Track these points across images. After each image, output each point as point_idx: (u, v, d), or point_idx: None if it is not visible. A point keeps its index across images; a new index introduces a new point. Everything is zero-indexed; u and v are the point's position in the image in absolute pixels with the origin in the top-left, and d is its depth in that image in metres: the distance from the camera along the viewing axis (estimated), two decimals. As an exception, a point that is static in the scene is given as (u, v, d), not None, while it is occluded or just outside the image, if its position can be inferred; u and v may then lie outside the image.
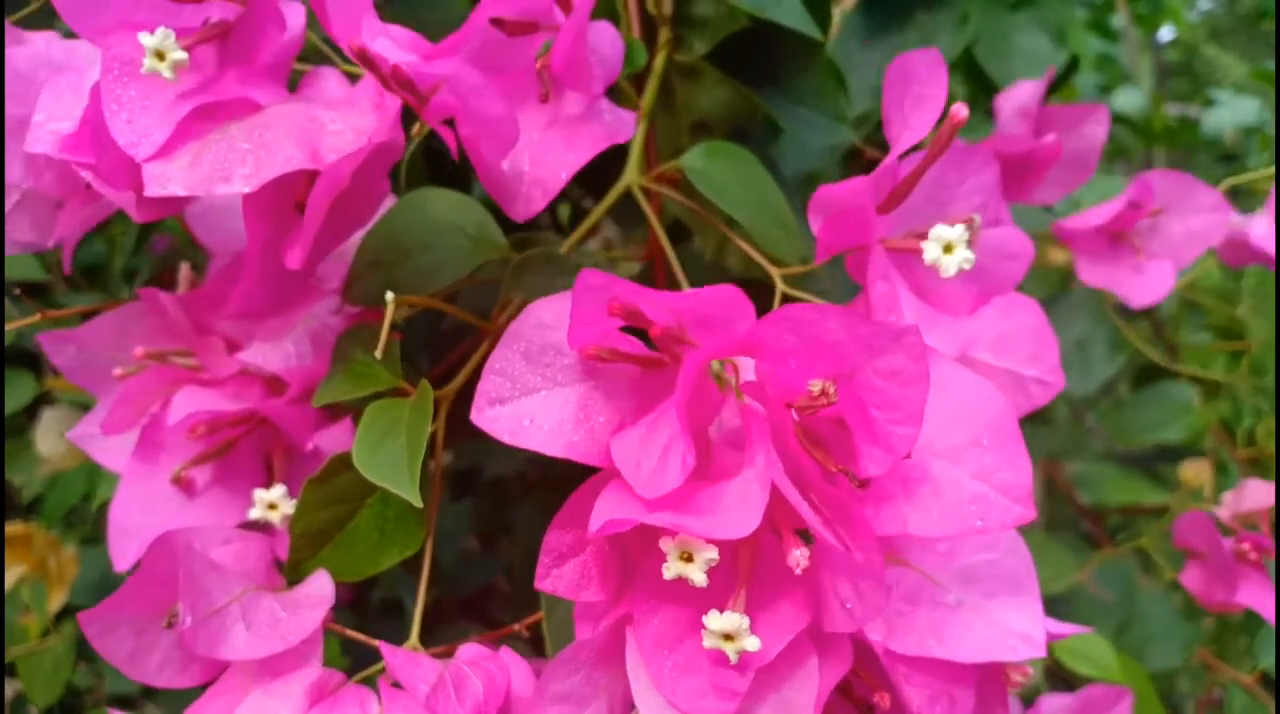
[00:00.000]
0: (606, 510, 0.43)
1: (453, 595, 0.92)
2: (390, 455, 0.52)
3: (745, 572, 0.45)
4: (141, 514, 0.58)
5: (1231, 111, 1.49)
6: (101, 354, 0.60)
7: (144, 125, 0.48)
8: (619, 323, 0.44)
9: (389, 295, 0.52)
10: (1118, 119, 1.27)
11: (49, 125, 0.50)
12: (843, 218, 0.52)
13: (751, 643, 0.43)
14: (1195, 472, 0.96)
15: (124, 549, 0.57)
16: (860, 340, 0.41)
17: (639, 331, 0.46)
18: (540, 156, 0.56)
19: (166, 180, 0.48)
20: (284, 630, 0.51)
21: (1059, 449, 1.13)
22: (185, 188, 0.48)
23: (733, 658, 0.43)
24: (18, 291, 0.60)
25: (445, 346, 0.71)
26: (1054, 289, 1.05)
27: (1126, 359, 1.02)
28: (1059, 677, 0.82)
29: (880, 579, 0.41)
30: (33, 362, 1.13)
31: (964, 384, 0.44)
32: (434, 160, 0.79)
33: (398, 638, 0.54)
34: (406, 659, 0.50)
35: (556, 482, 0.80)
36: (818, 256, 0.55)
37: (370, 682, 0.52)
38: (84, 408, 1.12)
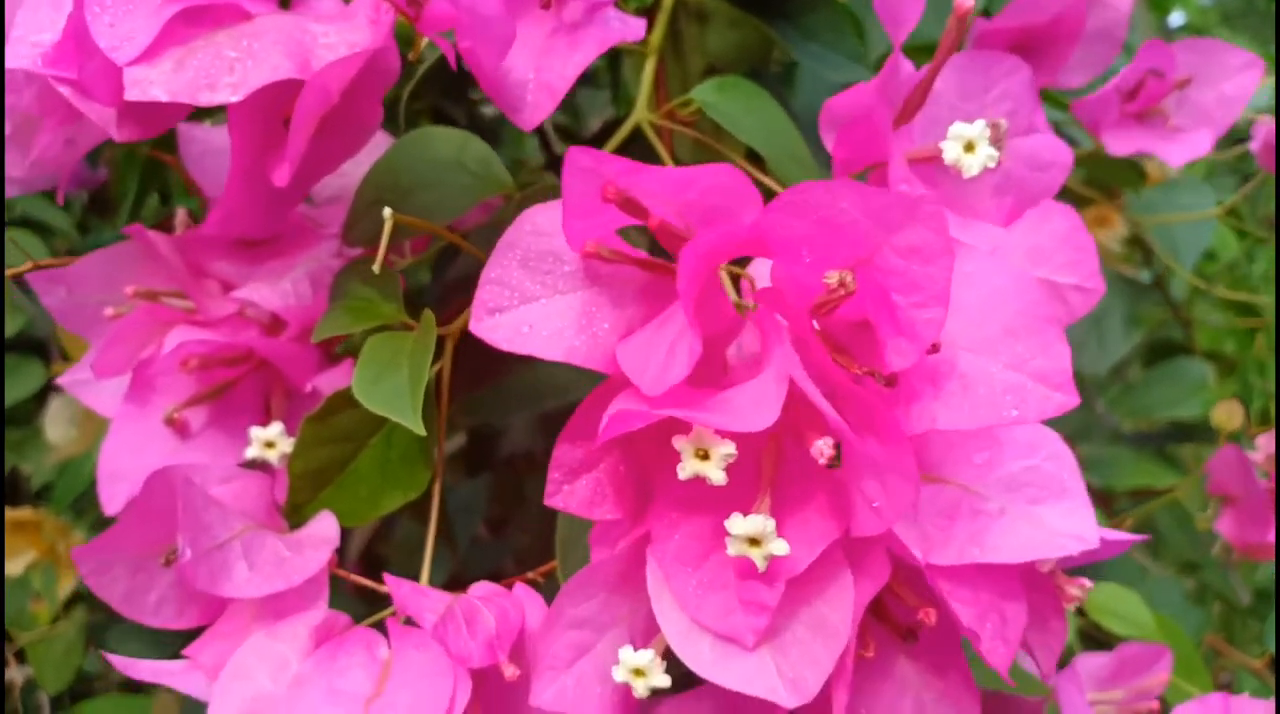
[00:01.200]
0: (619, 412, 0.40)
1: (463, 580, 0.89)
2: (392, 386, 0.50)
3: (768, 478, 0.42)
4: (132, 457, 0.55)
5: None
6: (93, 296, 0.57)
7: (127, 28, 0.46)
8: (616, 216, 0.42)
9: (386, 211, 0.50)
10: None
11: (28, 39, 0.48)
12: (857, 129, 0.50)
13: (779, 546, 0.40)
14: (1228, 413, 0.93)
15: (114, 493, 0.55)
16: (875, 215, 0.38)
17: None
18: (544, 62, 0.53)
19: (148, 85, 0.45)
20: (288, 569, 0.49)
21: (1069, 432, 1.10)
22: (168, 93, 0.45)
23: (760, 565, 0.41)
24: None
25: (448, 294, 0.68)
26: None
27: (1142, 336, 1.01)
28: (1095, 640, 0.79)
29: (909, 474, 0.39)
30: (41, 349, 1.11)
31: (992, 275, 0.42)
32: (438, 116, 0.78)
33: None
34: (414, 591, 0.47)
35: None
36: (835, 174, 0.53)
37: (379, 628, 0.49)
38: None
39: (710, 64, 0.69)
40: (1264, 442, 0.77)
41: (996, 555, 0.42)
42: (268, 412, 0.57)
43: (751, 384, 0.40)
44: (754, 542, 0.41)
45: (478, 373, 0.61)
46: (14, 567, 1.05)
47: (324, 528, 0.51)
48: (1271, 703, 0.61)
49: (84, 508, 1.14)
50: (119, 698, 1.03)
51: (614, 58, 0.85)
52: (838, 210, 0.38)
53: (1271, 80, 1.04)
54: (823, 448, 0.38)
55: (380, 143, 0.62)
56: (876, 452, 0.39)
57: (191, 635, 1.07)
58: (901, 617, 0.46)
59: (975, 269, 0.42)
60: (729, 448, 0.40)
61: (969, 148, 0.48)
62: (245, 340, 0.55)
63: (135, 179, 0.77)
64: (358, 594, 0.55)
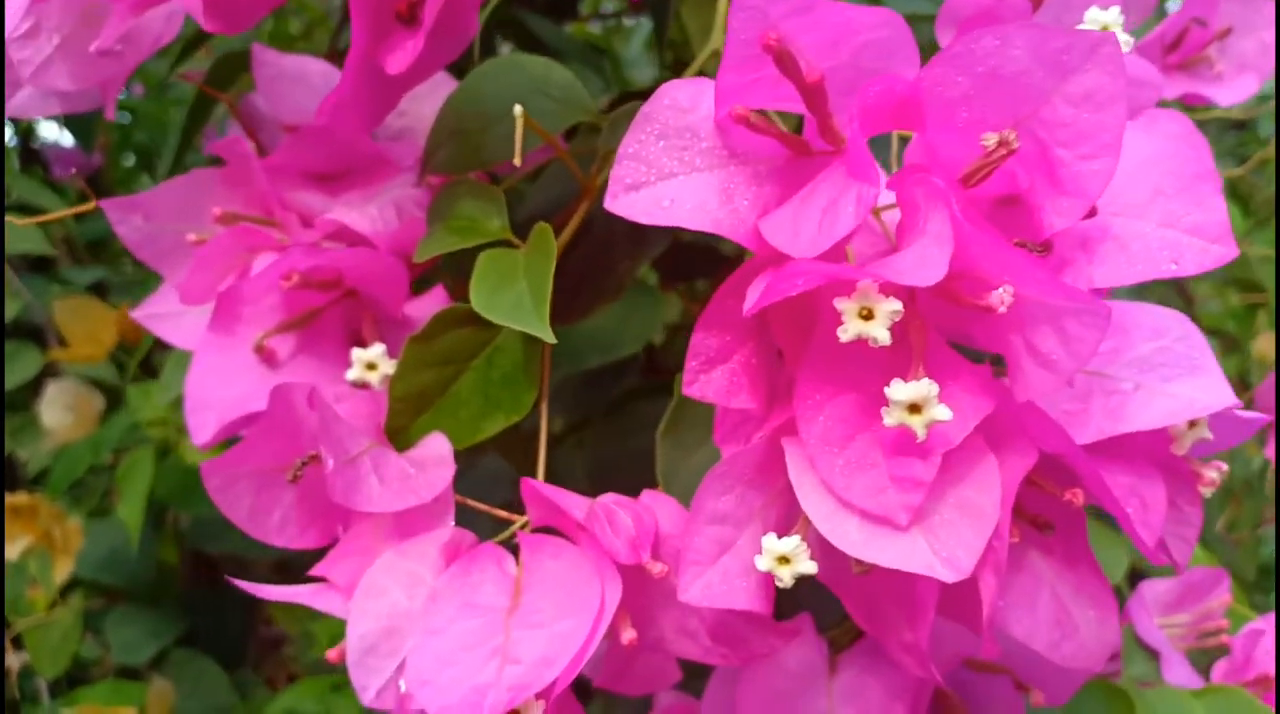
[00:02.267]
0: (783, 275, 0.40)
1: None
2: (513, 297, 0.49)
3: (919, 351, 0.42)
4: (220, 387, 0.53)
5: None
6: (170, 224, 0.56)
7: None
8: (769, 79, 0.42)
9: (517, 108, 0.50)
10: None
11: None
12: (979, 25, 0.50)
13: (942, 411, 0.40)
14: (1268, 344, 0.96)
15: (203, 422, 0.53)
16: (1050, 60, 0.38)
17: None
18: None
19: None
20: (416, 485, 0.48)
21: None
22: None
23: (921, 433, 0.40)
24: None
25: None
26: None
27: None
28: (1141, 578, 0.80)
29: (1099, 313, 0.38)
30: (37, 335, 1.10)
31: (1140, 142, 0.42)
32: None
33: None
34: (555, 490, 0.46)
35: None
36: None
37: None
38: (90, 381, 1.08)
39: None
40: None
41: (1136, 424, 0.42)
42: (356, 339, 0.56)
43: (913, 247, 0.40)
44: (914, 409, 0.40)
45: (566, 303, 0.61)
46: (10, 552, 1.04)
47: (438, 448, 0.50)
48: None
49: (80, 494, 1.14)
50: (116, 684, 1.02)
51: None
52: (1008, 59, 0.38)
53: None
54: (1002, 296, 0.38)
55: (444, 84, 0.62)
56: (1051, 301, 0.39)
57: (200, 617, 1.05)
58: (1036, 508, 0.46)
59: (1124, 139, 0.42)
60: (895, 305, 0.39)
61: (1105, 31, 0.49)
62: (348, 260, 0.53)
63: (129, 169, 0.75)
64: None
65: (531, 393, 0.53)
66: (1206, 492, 0.46)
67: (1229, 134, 1.27)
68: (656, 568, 0.45)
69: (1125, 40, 0.48)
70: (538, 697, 0.42)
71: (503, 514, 0.51)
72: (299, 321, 0.54)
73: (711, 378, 0.44)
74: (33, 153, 1.12)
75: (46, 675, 1.02)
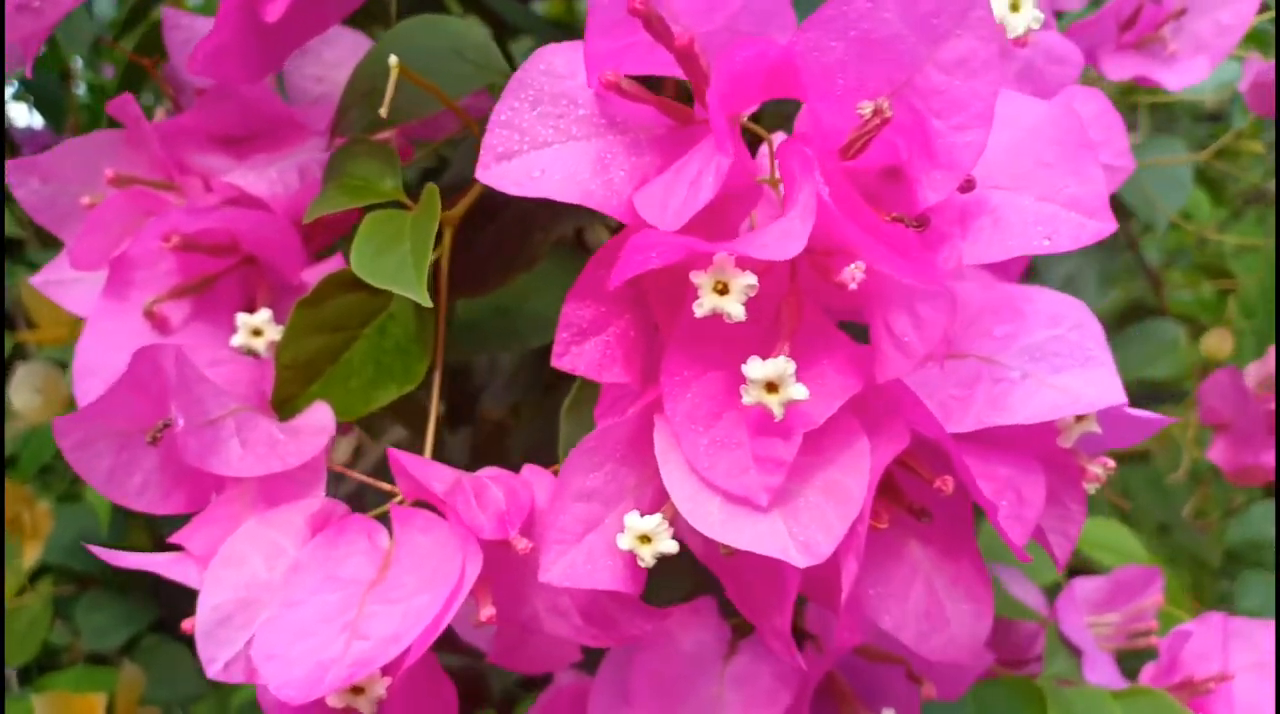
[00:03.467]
0: (638, 245, 0.39)
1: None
2: (395, 259, 0.48)
3: (788, 328, 0.40)
4: (110, 352, 0.52)
5: (1213, 73, 1.49)
6: (69, 186, 0.55)
7: None
8: (638, 45, 0.40)
9: (392, 59, 0.48)
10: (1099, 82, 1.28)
11: None
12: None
13: (798, 390, 0.39)
14: (1218, 341, 0.94)
15: (90, 388, 0.52)
16: (920, 23, 0.37)
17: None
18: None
19: None
20: (282, 452, 0.47)
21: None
22: None
23: (777, 412, 0.39)
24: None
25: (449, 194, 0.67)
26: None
27: (1115, 295, 1.01)
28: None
29: (945, 297, 0.37)
30: (5, 317, 1.10)
31: (1027, 113, 0.41)
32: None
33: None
34: (421, 462, 0.45)
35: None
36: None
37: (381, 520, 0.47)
38: (60, 364, 1.08)
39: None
40: (1255, 369, 0.76)
41: (1015, 416, 0.41)
42: (253, 307, 0.55)
43: (777, 224, 0.39)
44: (772, 387, 0.39)
45: (476, 274, 0.59)
46: None
47: (319, 417, 0.49)
48: (1269, 623, 0.61)
49: (50, 479, 1.14)
50: (85, 670, 1.01)
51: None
52: (880, 22, 0.37)
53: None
54: (854, 272, 0.37)
55: (362, 45, 0.60)
56: (905, 283, 0.38)
57: (173, 602, 1.04)
58: (916, 496, 0.45)
59: (1012, 112, 0.41)
60: (750, 279, 0.38)
61: (1014, 6, 0.47)
62: (238, 221, 0.52)
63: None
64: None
65: (424, 362, 0.52)
66: (1091, 488, 0.44)
67: (1202, 125, 1.25)
68: (521, 544, 0.44)
69: (1036, 17, 0.47)
70: (385, 672, 0.42)
71: (387, 486, 0.49)
72: (193, 287, 0.53)
73: (584, 350, 0.43)
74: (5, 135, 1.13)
75: (15, 663, 1.01)
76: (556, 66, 0.42)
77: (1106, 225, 0.39)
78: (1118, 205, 0.99)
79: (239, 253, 0.54)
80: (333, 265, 0.54)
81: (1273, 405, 0.73)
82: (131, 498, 0.47)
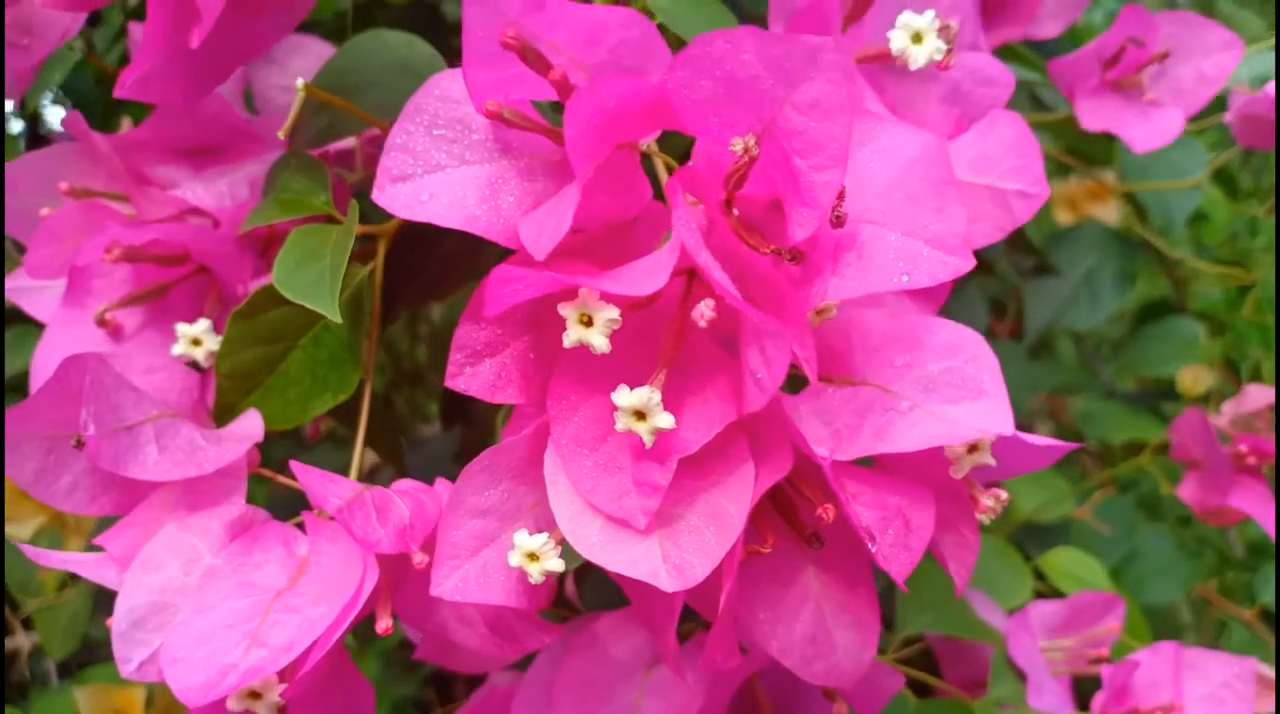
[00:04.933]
0: (510, 277, 0.40)
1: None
2: (313, 274, 0.49)
3: (667, 356, 0.41)
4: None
5: (1248, 65, 1.45)
6: (31, 198, 0.57)
7: None
8: (519, 74, 0.41)
9: (299, 80, 0.50)
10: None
11: None
12: (802, 23, 0.49)
13: (665, 420, 0.40)
14: (1194, 377, 0.92)
15: (45, 394, 0.54)
16: (774, 65, 0.37)
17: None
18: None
19: None
20: (200, 458, 0.48)
21: (1063, 385, 1.09)
22: None
23: (646, 439, 0.40)
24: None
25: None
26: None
27: (1134, 292, 0.99)
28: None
29: (784, 337, 0.37)
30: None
31: (906, 147, 0.41)
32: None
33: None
34: (321, 477, 0.46)
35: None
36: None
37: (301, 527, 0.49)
38: None
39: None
40: (1229, 407, 0.75)
41: (894, 445, 0.41)
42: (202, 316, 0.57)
43: (648, 259, 0.39)
44: (640, 415, 0.40)
45: (419, 285, 0.61)
46: (22, 532, 1.04)
47: (247, 424, 0.50)
48: (1221, 655, 0.60)
49: None
50: None
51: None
52: (740, 63, 0.37)
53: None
54: (703, 310, 0.37)
55: (326, 55, 0.62)
56: (759, 322, 0.38)
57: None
58: (810, 522, 0.45)
59: (892, 142, 0.41)
60: (612, 313, 0.39)
61: (917, 38, 0.48)
62: (177, 234, 0.54)
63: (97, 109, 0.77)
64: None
65: (357, 373, 0.53)
66: (985, 519, 0.44)
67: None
68: (419, 558, 0.45)
69: (938, 48, 0.46)
70: (283, 677, 0.43)
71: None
72: (145, 296, 0.55)
73: (477, 372, 0.44)
74: (41, 139, 1.15)
75: (56, 657, 1.03)
76: (451, 92, 0.43)
77: (965, 263, 0.39)
78: (1135, 202, 0.97)
79: (191, 263, 0.56)
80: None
81: (1244, 446, 0.72)
82: (60, 499, 0.49)
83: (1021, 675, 0.61)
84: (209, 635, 0.44)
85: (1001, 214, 0.50)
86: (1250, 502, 0.71)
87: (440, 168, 0.43)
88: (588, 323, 0.39)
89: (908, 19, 0.47)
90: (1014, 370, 0.95)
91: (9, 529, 1.04)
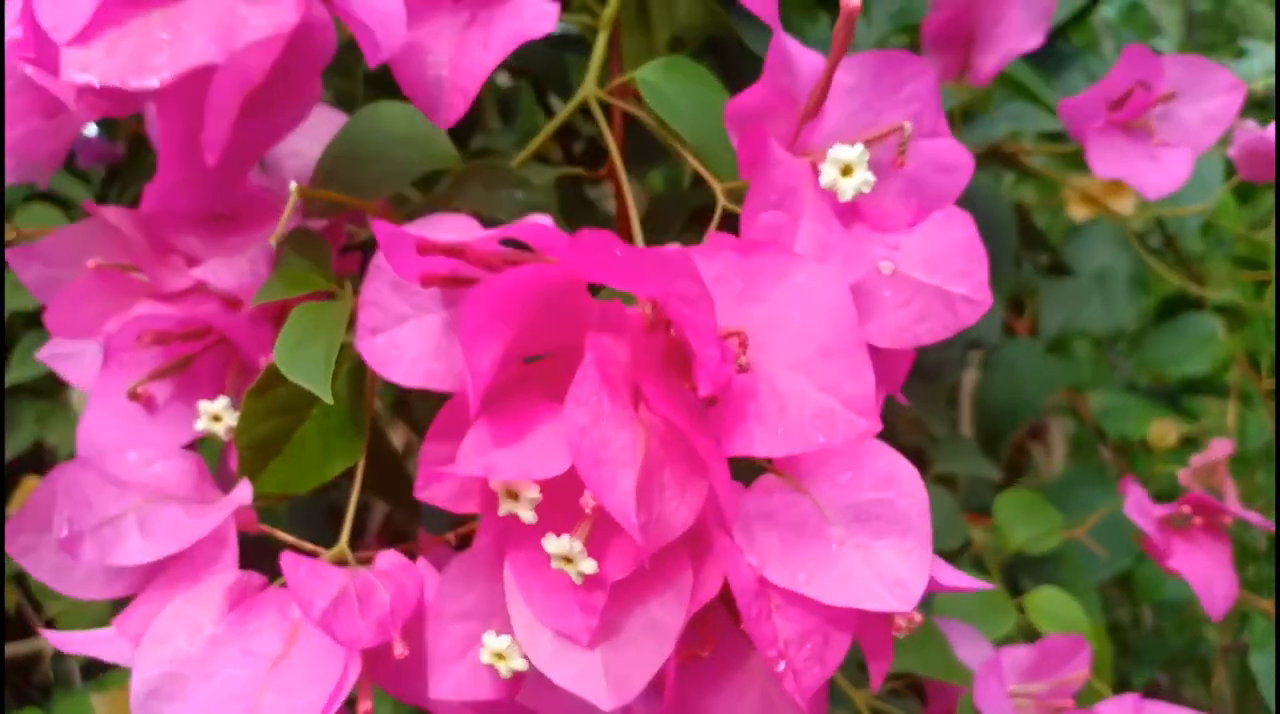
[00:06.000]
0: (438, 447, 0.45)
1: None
2: (310, 355, 0.53)
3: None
4: (108, 429, 0.60)
5: (1262, 60, 1.40)
6: (65, 271, 0.61)
7: (65, 7, 0.47)
8: (443, 258, 0.44)
9: (292, 184, 0.53)
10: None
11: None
12: (756, 129, 0.51)
13: (588, 565, 0.44)
14: (1161, 433, 0.92)
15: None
16: (650, 272, 0.40)
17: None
18: (458, 61, 0.56)
19: (84, 67, 0.46)
20: (181, 533, 0.52)
21: (1080, 382, 1.09)
22: (101, 77, 0.46)
23: (576, 579, 0.44)
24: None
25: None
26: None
27: (1150, 294, 0.99)
28: (1033, 634, 0.80)
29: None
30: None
31: (819, 292, 0.43)
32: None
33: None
34: (309, 572, 0.51)
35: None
36: (740, 172, 0.53)
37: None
38: None
39: (674, 34, 0.69)
40: (1196, 460, 0.75)
41: (819, 593, 0.44)
42: (226, 386, 0.61)
43: (556, 424, 0.43)
44: (567, 559, 0.44)
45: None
46: None
47: (235, 493, 0.55)
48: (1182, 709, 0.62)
49: None
50: None
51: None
52: (620, 260, 0.40)
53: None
54: (587, 499, 0.42)
55: (339, 122, 0.65)
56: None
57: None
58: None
59: (805, 283, 0.44)
60: (533, 492, 0.43)
61: (846, 171, 0.49)
62: (201, 315, 0.58)
63: (152, 157, 0.81)
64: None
65: (360, 441, 0.57)
66: (899, 635, 0.47)
67: (1249, 114, 1.17)
68: (399, 650, 0.49)
69: (866, 181, 0.48)
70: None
71: (309, 548, 0.55)
72: (172, 369, 0.60)
73: (443, 485, 0.48)
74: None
75: (78, 659, 1.10)
76: (406, 250, 0.46)
77: (873, 425, 0.41)
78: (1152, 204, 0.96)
79: (214, 333, 0.60)
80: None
81: (1187, 507, 0.72)
82: (78, 588, 0.54)
83: (988, 724, 0.63)
84: (213, 707, 0.49)
85: (948, 316, 0.51)
86: (1191, 565, 0.71)
87: (405, 319, 0.47)
88: (514, 497, 0.44)
89: (837, 153, 0.49)
90: (1032, 366, 0.96)
91: None
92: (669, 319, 0.42)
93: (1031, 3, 0.74)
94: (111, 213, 0.59)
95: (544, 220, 0.50)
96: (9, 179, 0.59)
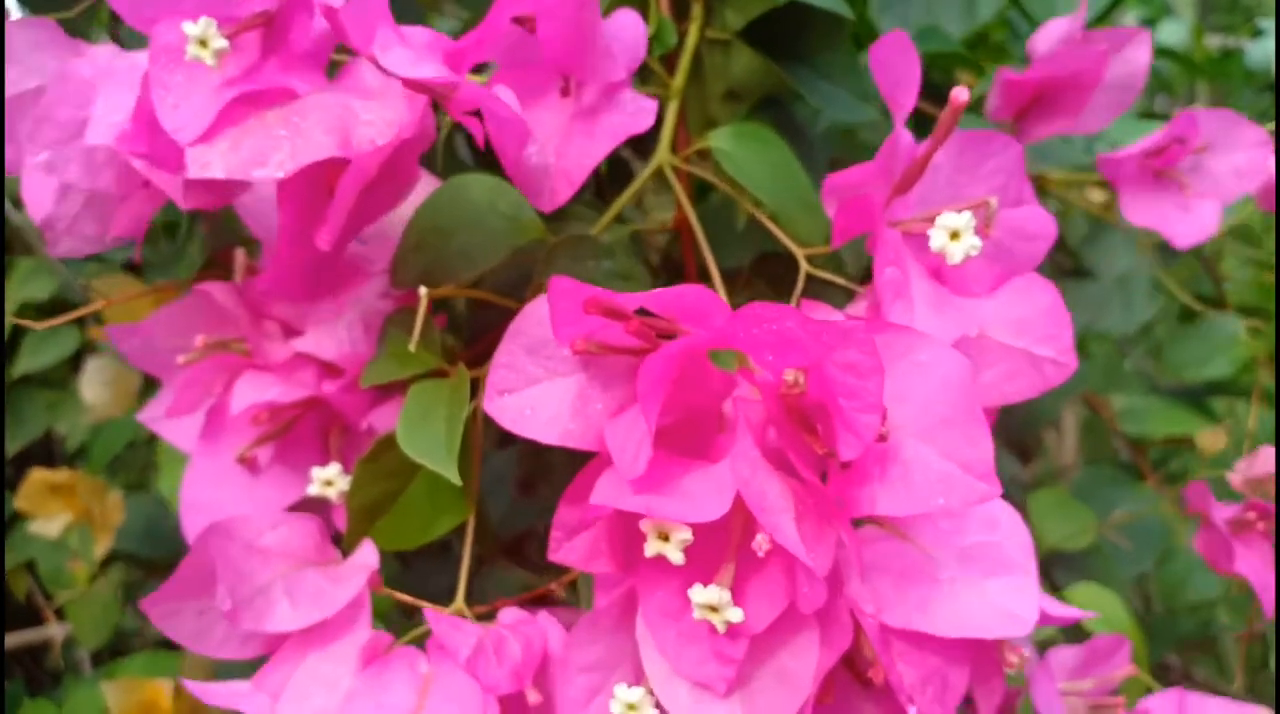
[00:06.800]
0: (598, 493, 0.47)
1: (495, 541, 0.96)
2: (430, 435, 0.56)
3: (735, 546, 0.48)
4: (210, 491, 0.63)
5: (1261, 48, 1.44)
6: (165, 343, 0.64)
7: (188, 110, 0.51)
8: (600, 319, 0.47)
9: (422, 289, 0.56)
10: (1160, 52, 1.25)
11: (107, 119, 0.53)
12: (854, 203, 0.54)
13: (735, 614, 0.46)
14: (1212, 440, 0.96)
15: (195, 523, 0.62)
16: (815, 337, 0.43)
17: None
18: (564, 149, 0.58)
19: (207, 164, 0.50)
20: (325, 601, 0.55)
21: (1097, 384, 1.13)
22: (225, 171, 0.50)
23: (720, 628, 0.47)
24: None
25: (485, 324, 0.74)
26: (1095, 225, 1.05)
27: (1171, 297, 1.02)
28: (1073, 632, 0.85)
29: (814, 577, 0.45)
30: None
31: (942, 365, 0.46)
32: (475, 145, 0.82)
33: (442, 579, 0.59)
34: (450, 625, 0.54)
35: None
36: (834, 240, 0.57)
37: (419, 641, 0.57)
38: None
39: (731, 88, 0.73)
40: (1243, 466, 0.79)
41: (937, 628, 0.48)
42: (327, 446, 0.64)
43: (709, 470, 0.46)
44: (713, 609, 0.47)
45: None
46: (51, 528, 1.11)
47: (364, 556, 0.58)
48: (1224, 701, 0.66)
49: (118, 469, 1.21)
50: (153, 655, 1.08)
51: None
52: (786, 328, 0.43)
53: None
54: (761, 543, 0.45)
55: (422, 183, 0.67)
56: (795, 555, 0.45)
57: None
58: (862, 665, 0.52)
59: (930, 358, 0.46)
60: (685, 534, 0.46)
61: (954, 236, 0.52)
62: (305, 390, 0.62)
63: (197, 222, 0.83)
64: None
65: (470, 501, 0.61)
66: (1010, 671, 0.51)
67: (1265, 95, 1.22)
68: (532, 697, 0.53)
69: (974, 245, 0.51)
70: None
71: (432, 608, 0.58)
72: (276, 433, 0.63)
73: (575, 545, 0.51)
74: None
75: (89, 646, 1.10)
76: (544, 316, 0.49)
77: (993, 489, 0.44)
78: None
79: (313, 402, 0.63)
80: (392, 411, 0.63)
81: (1253, 512, 0.76)
82: (216, 649, 0.57)
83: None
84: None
85: (1035, 376, 0.55)
86: (1251, 567, 0.76)
87: (537, 381, 0.50)
88: (665, 538, 0.46)
89: (946, 220, 0.52)
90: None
91: (38, 527, 1.12)
92: (807, 386, 0.45)
93: (1111, 95, 0.78)
94: (218, 289, 0.62)
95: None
96: (89, 249, 0.62)
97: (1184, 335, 1.06)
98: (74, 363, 1.17)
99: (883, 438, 0.45)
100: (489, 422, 0.53)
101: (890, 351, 0.45)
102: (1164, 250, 1.01)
